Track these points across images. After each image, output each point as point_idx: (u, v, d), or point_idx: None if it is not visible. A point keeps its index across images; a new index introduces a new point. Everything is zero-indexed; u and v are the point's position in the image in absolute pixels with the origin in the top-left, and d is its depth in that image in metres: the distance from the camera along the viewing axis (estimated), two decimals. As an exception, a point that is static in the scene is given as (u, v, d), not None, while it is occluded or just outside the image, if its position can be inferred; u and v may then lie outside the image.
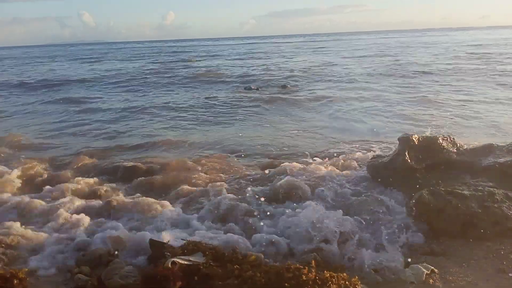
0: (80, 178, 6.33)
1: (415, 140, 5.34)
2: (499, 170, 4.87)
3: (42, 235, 4.32)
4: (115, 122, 11.12)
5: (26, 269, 3.44)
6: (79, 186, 5.97)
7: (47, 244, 4.14)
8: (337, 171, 6.03)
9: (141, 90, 17.55)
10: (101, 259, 3.75)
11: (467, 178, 4.88)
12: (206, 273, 3.22)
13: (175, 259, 3.28)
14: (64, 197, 5.47)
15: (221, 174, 6.35)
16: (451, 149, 5.37)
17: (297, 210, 4.56)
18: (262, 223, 4.37)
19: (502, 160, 5.02)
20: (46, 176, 6.65)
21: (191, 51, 48.99)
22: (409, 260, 3.57)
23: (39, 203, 5.22)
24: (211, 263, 3.32)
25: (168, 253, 3.48)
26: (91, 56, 48.13)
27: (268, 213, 4.70)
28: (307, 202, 4.79)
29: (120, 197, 5.44)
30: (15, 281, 3.19)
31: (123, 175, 6.50)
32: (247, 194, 5.27)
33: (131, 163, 6.91)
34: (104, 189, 5.85)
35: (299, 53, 39.32)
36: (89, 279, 3.47)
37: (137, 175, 6.42)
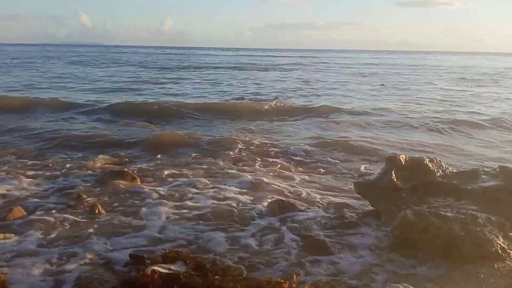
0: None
1: (402, 160, 5.40)
2: (483, 194, 4.93)
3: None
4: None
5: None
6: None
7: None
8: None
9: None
10: (81, 264, 3.71)
11: (451, 200, 4.93)
12: (186, 282, 3.19)
13: (155, 267, 3.26)
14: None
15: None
16: (437, 171, 5.43)
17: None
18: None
19: (486, 184, 5.08)
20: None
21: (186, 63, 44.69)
22: (390, 279, 3.59)
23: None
24: (192, 273, 3.30)
25: (148, 261, 3.46)
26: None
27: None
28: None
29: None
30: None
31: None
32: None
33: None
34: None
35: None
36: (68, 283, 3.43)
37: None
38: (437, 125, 11.74)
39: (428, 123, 11.92)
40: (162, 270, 3.27)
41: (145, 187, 6.15)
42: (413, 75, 32.23)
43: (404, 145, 9.33)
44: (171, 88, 20.69)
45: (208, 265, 3.46)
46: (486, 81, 28.83)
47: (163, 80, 24.26)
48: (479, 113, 14.04)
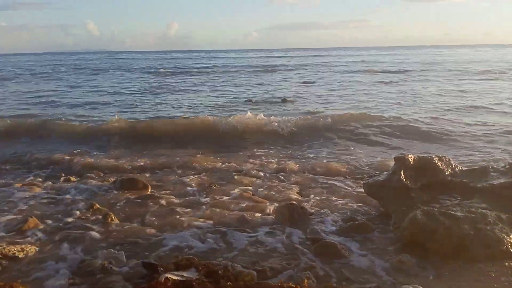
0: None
1: (410, 160, 5.40)
2: (492, 192, 4.92)
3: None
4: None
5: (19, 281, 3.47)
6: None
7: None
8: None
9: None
10: (95, 272, 3.79)
11: (461, 199, 4.93)
12: (198, 289, 3.25)
13: (168, 275, 3.32)
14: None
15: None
16: (446, 170, 5.42)
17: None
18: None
19: (496, 182, 5.06)
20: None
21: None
22: (401, 280, 3.61)
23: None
24: (204, 279, 3.35)
25: (161, 269, 3.52)
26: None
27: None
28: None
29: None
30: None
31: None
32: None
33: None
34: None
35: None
36: (83, 292, 3.50)
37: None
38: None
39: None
40: (175, 278, 3.32)
41: (156, 194, 6.23)
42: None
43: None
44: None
45: (220, 271, 3.50)
46: None
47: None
48: None
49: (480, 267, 3.85)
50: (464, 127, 10.92)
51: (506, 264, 3.86)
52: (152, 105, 16.90)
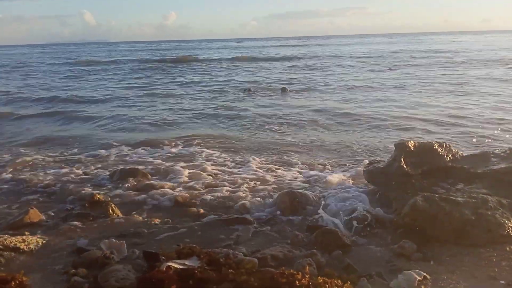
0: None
1: (411, 146, 5.39)
2: (493, 177, 4.92)
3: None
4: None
5: (22, 272, 3.47)
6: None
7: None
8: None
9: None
10: (97, 261, 3.79)
11: (461, 184, 4.93)
12: (200, 277, 3.25)
13: (170, 263, 3.32)
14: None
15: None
16: (446, 156, 5.41)
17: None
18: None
19: (496, 167, 5.06)
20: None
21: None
22: (402, 266, 3.63)
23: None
24: (206, 267, 3.35)
25: (163, 257, 3.52)
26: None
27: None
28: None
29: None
30: (13, 283, 3.24)
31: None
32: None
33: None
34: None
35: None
36: (85, 281, 3.51)
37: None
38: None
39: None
40: (177, 266, 3.33)
41: (156, 183, 6.23)
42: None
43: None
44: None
45: (221, 259, 3.51)
46: None
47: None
48: None
49: (481, 251, 3.86)
50: None
51: (507, 248, 3.87)
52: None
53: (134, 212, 5.24)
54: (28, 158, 7.99)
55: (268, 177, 6.54)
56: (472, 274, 3.53)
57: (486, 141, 8.32)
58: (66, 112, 13.71)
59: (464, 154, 5.64)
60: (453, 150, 5.53)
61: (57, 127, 11.67)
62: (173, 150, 8.49)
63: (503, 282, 3.39)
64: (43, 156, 8.19)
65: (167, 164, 7.42)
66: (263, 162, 7.41)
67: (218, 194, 5.81)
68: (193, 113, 12.83)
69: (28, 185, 6.40)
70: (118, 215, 5.10)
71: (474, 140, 8.42)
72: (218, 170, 7.01)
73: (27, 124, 12.06)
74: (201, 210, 5.21)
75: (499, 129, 9.27)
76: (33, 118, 13.01)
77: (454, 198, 4.38)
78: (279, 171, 6.87)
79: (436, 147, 5.45)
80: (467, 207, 4.24)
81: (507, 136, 8.69)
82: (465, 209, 4.21)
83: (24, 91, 19.60)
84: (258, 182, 6.28)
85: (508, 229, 4.07)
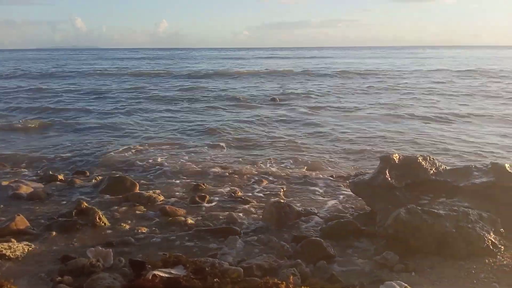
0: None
1: (395, 159, 5.50)
2: (474, 191, 5.04)
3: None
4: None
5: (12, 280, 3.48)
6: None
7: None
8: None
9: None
10: (83, 269, 3.81)
11: (443, 198, 5.04)
12: (186, 286, 3.29)
13: (156, 272, 3.36)
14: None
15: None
16: (430, 169, 5.53)
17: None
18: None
19: (478, 181, 5.18)
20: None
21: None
22: (384, 277, 3.70)
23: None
24: (192, 276, 3.40)
25: (149, 266, 3.55)
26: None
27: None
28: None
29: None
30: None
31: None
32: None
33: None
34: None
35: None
36: (71, 289, 3.52)
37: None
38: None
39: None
40: (163, 275, 3.37)
41: (144, 192, 6.25)
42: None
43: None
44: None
45: (207, 268, 3.55)
46: None
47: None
48: None
49: (461, 264, 3.95)
50: None
51: (486, 261, 3.97)
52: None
53: (121, 221, 5.25)
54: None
55: (257, 187, 6.60)
56: (452, 285, 3.62)
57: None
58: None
59: (447, 168, 5.76)
60: (437, 164, 5.65)
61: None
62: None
63: (481, 294, 3.48)
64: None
65: (155, 173, 7.45)
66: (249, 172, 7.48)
67: (206, 204, 5.85)
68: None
69: (14, 192, 6.36)
70: (105, 224, 5.11)
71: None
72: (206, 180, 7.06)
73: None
74: (189, 219, 5.25)
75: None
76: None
77: (436, 210, 4.48)
78: (264, 182, 6.95)
79: (420, 160, 5.56)
80: (448, 219, 4.34)
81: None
82: (446, 222, 4.31)
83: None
84: (248, 193, 6.34)
85: (488, 242, 4.17)
